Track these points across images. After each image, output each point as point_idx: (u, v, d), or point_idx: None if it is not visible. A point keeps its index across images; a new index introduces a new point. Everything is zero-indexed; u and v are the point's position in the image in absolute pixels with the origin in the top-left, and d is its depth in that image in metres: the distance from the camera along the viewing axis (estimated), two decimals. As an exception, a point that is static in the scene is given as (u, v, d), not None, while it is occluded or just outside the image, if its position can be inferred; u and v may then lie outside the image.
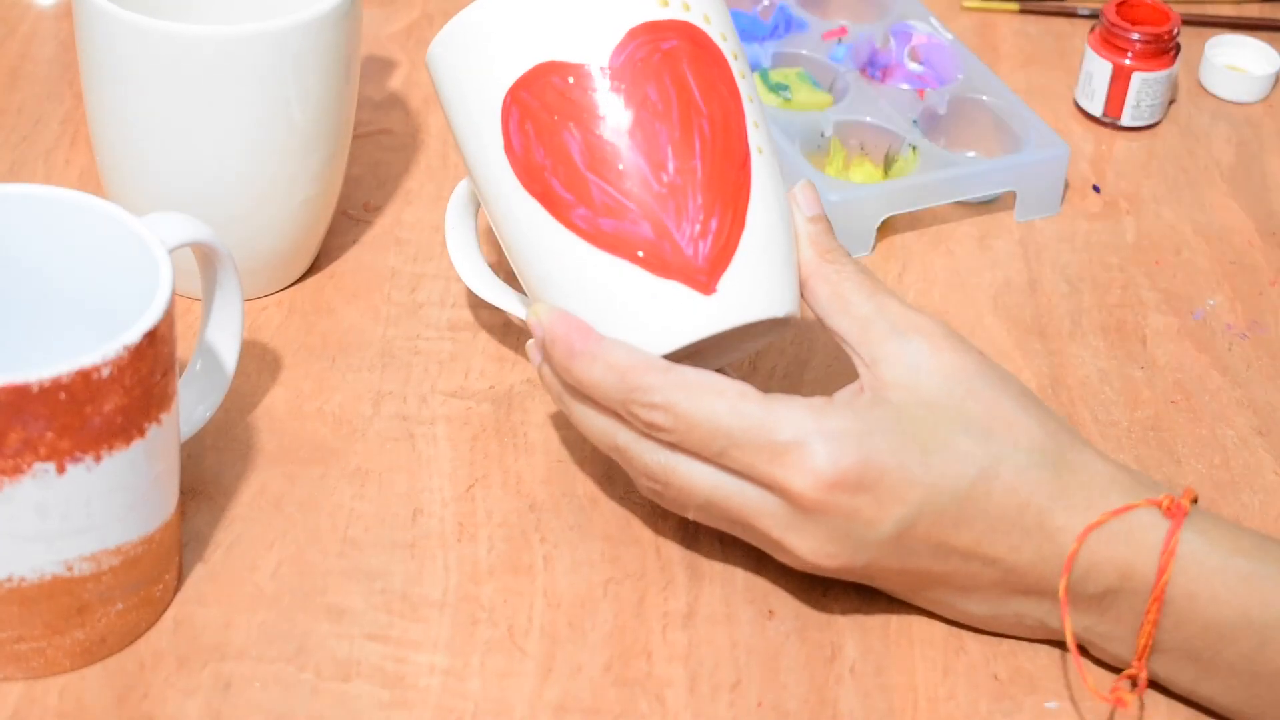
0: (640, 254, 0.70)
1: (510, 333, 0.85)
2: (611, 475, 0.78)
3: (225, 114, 0.80)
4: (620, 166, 0.70)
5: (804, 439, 0.68)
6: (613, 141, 0.71)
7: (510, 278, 0.83)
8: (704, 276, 0.70)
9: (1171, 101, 1.06)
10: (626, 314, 0.71)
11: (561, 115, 0.71)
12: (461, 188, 0.81)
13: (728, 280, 0.71)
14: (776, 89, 0.97)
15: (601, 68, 0.71)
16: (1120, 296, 0.91)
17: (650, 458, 0.70)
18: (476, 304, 0.87)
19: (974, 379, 0.70)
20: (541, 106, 0.71)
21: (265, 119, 0.81)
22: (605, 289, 0.71)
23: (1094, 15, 1.12)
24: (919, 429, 0.69)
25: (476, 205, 0.81)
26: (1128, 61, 1.01)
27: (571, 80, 0.71)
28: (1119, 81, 1.02)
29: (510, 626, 0.73)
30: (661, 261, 0.70)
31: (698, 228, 0.70)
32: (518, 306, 0.81)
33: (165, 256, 0.68)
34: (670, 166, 0.70)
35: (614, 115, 0.71)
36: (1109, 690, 0.69)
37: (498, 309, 0.83)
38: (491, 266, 0.82)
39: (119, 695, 0.69)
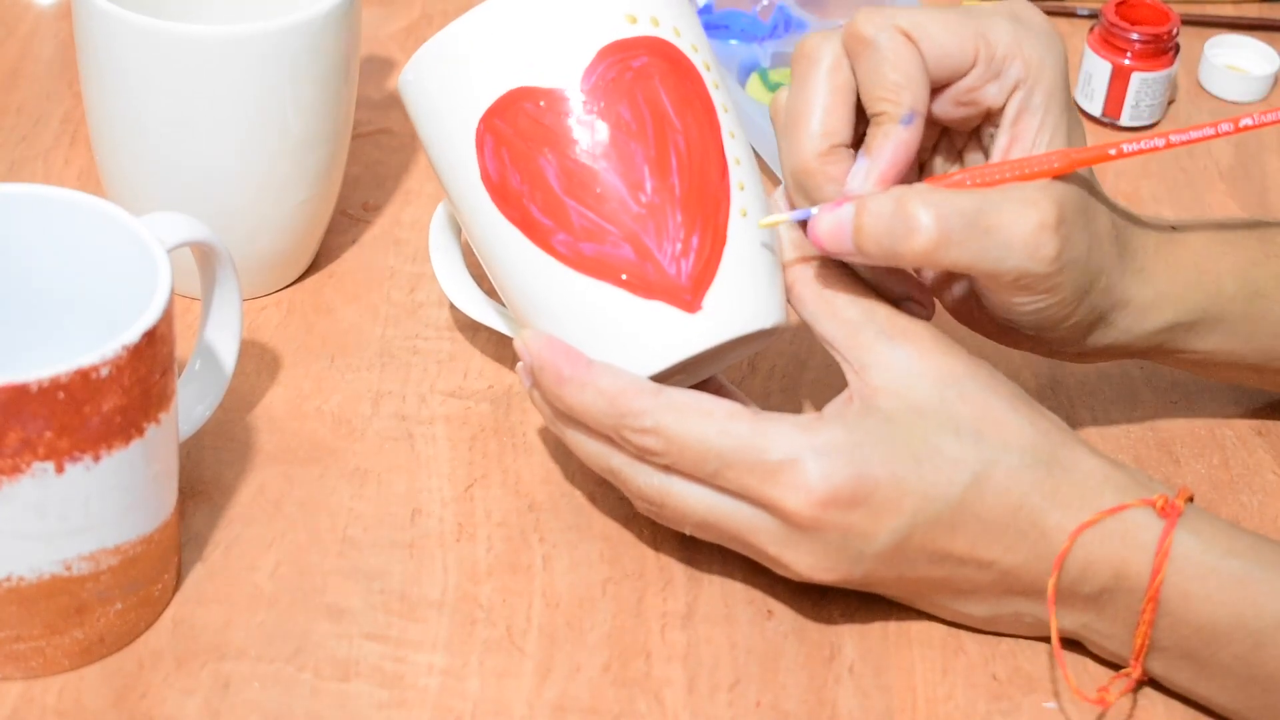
0: (623, 277, 0.70)
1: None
2: (610, 475, 0.79)
3: (224, 113, 0.80)
4: (598, 190, 0.70)
5: (795, 457, 0.67)
6: (588, 165, 0.70)
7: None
8: (688, 295, 0.70)
9: (1171, 102, 1.06)
10: (613, 337, 0.70)
11: (536, 141, 0.70)
12: (441, 210, 0.81)
13: (712, 297, 0.70)
14: (776, 89, 0.97)
15: (573, 90, 0.70)
16: (1119, 296, 0.91)
17: (644, 480, 0.70)
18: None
19: (963, 381, 0.70)
20: (515, 133, 0.70)
21: (264, 118, 0.81)
22: (590, 313, 0.70)
23: (1093, 15, 1.12)
24: (910, 436, 0.68)
25: (459, 225, 0.81)
26: (1127, 61, 1.01)
27: (543, 104, 0.70)
28: (1118, 81, 1.02)
29: (509, 626, 0.73)
30: (645, 283, 0.70)
31: (679, 246, 0.70)
32: (509, 326, 0.80)
33: (164, 256, 0.68)
34: (648, 186, 0.70)
35: (588, 138, 0.70)
36: (1100, 689, 0.70)
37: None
38: (479, 281, 0.82)
39: (117, 695, 0.69)
